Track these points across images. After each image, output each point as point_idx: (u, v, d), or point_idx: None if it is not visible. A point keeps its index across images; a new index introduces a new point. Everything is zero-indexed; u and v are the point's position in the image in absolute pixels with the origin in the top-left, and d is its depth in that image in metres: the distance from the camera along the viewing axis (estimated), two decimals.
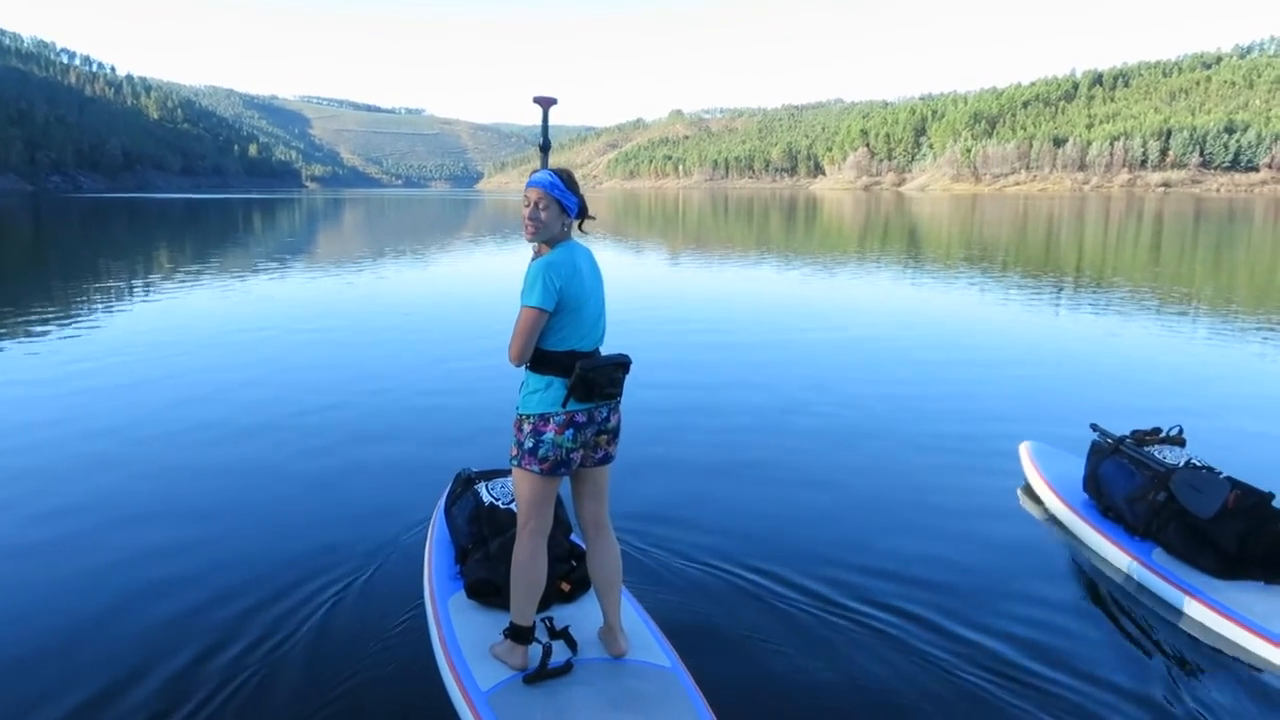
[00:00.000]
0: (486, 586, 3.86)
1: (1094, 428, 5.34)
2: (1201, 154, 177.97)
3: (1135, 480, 4.79)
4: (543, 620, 3.63)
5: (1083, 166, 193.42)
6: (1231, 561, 4.22)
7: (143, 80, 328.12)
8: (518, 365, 3.24)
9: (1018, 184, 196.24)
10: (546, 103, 3.87)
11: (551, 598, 3.86)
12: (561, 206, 3.24)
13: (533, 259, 3.39)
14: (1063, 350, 10.82)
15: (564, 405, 3.21)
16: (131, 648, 3.83)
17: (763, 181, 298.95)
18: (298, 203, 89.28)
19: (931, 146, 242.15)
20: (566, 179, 3.28)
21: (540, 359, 3.23)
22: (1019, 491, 5.78)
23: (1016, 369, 9.70)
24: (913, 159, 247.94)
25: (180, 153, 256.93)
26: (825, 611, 4.15)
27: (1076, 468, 5.47)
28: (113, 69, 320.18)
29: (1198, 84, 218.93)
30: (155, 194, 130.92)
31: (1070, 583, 4.59)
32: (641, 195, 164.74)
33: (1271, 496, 4.36)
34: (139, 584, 4.45)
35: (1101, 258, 25.59)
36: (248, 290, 16.46)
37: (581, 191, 3.34)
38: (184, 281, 17.72)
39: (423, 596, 4.12)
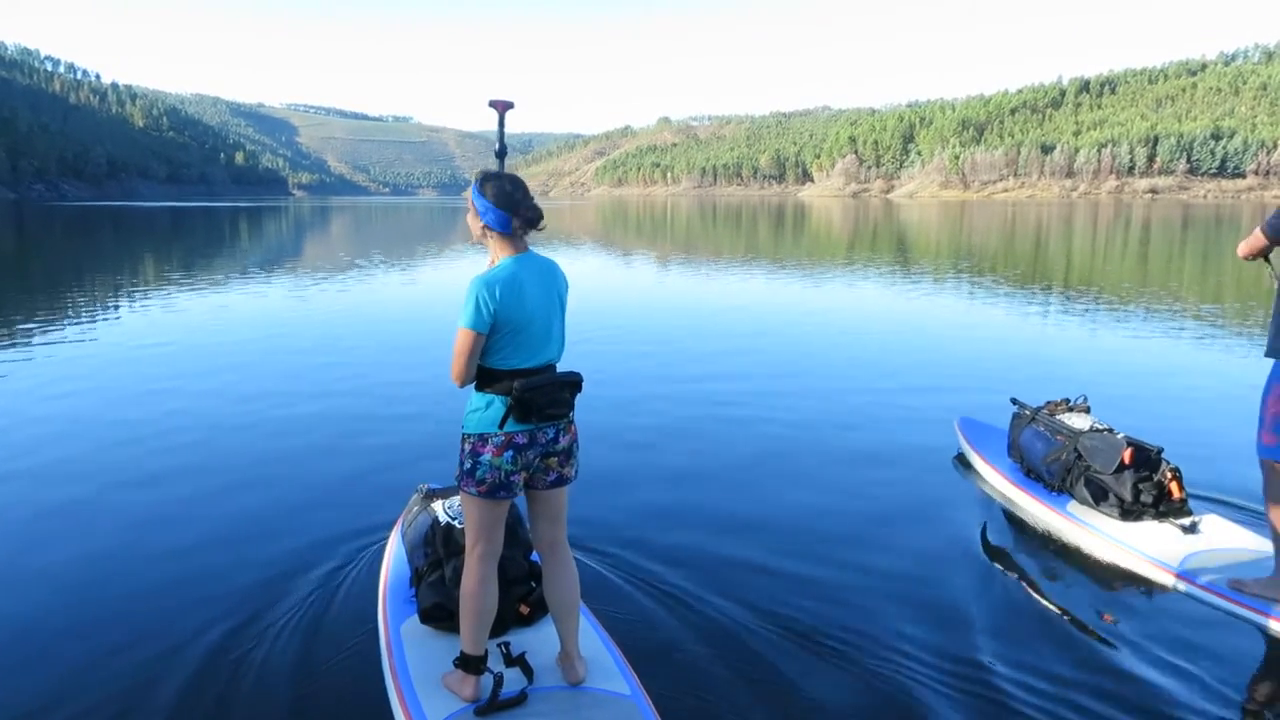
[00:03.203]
0: (440, 611, 3.65)
1: (1014, 401, 6.10)
2: (1188, 160, 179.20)
3: (1050, 444, 5.53)
4: (499, 646, 3.43)
5: (1070, 173, 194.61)
6: (1130, 507, 4.95)
7: (128, 88, 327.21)
8: (461, 386, 3.07)
9: (1006, 190, 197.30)
10: (503, 106, 3.71)
11: (509, 621, 3.66)
12: (478, 212, 3.09)
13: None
14: (994, 338, 12.40)
15: (501, 426, 3.02)
16: (61, 679, 3.60)
17: (751, 189, 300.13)
18: (284, 211, 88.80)
19: (920, 153, 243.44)
20: (488, 186, 3.06)
21: (484, 376, 3.06)
22: (954, 460, 6.42)
23: (953, 355, 10.87)
24: (901, 166, 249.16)
25: (166, 161, 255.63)
26: (792, 630, 3.95)
27: (1001, 436, 6.19)
28: (97, 76, 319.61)
29: (1184, 91, 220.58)
30: (140, 202, 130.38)
31: (1001, 535, 5.19)
32: (630, 202, 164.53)
33: (1160, 450, 5.10)
34: (74, 604, 4.23)
35: (1078, 264, 25.60)
36: (217, 302, 16.18)
37: (524, 199, 3.07)
38: (157, 293, 17.47)
39: (376, 621, 3.91)
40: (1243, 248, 4.09)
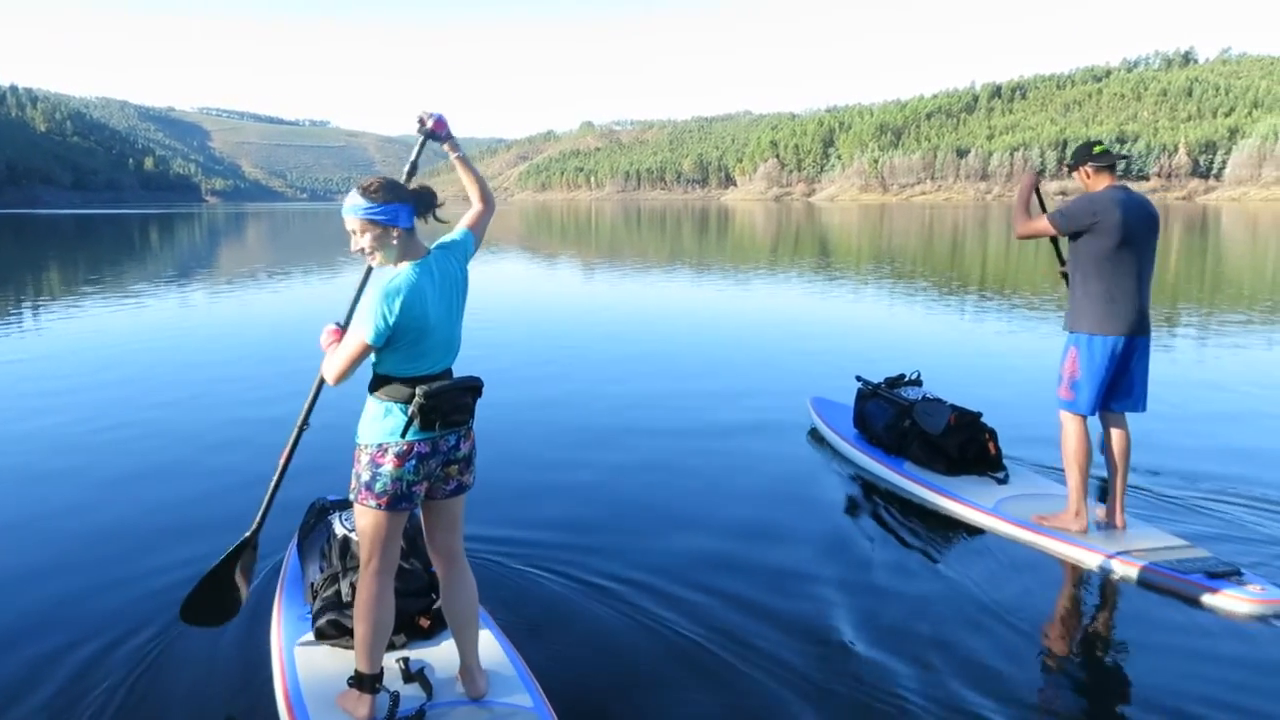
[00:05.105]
0: (335, 628, 3.49)
1: (858, 379, 6.75)
2: None
3: (888, 413, 6.24)
4: (397, 661, 3.29)
5: (985, 176, 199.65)
6: (955, 463, 5.76)
7: (28, 91, 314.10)
8: (334, 385, 2.93)
9: (924, 194, 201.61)
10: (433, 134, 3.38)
11: (408, 635, 3.52)
12: (383, 225, 2.86)
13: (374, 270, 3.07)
14: (845, 326, 13.86)
15: (403, 435, 2.87)
16: None
17: (675, 193, 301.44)
18: (196, 218, 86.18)
19: (840, 157, 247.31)
20: (377, 193, 2.87)
21: (379, 383, 2.90)
22: (808, 435, 7.12)
23: (806, 343, 11.95)
24: (822, 170, 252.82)
25: (71, 166, 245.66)
26: (683, 630, 3.92)
27: (847, 411, 6.87)
28: None
29: (1090, 96, 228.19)
30: (44, 210, 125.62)
31: (850, 495, 5.87)
32: (554, 207, 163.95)
33: (979, 415, 5.95)
34: None
35: (971, 264, 26.30)
36: (111, 311, 15.57)
37: (413, 185, 3.00)
38: (53, 304, 16.81)
39: (269, 640, 3.73)
40: (1023, 228, 4.89)
